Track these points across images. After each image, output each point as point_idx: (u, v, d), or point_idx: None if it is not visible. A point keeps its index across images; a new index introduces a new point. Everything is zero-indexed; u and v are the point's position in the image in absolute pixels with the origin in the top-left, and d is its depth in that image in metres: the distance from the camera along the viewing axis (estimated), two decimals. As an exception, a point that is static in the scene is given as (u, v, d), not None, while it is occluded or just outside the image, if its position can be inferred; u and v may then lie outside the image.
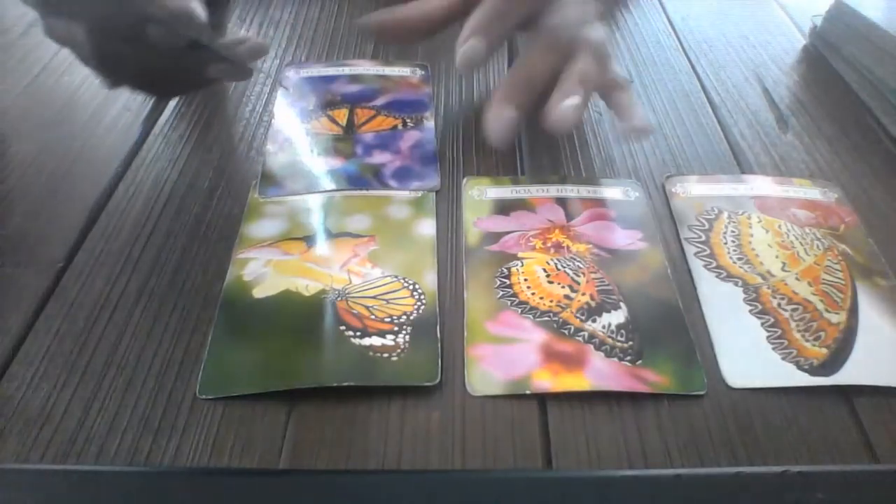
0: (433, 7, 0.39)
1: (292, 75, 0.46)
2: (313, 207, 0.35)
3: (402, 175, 0.38)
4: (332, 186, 0.37)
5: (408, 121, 0.42)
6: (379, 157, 0.39)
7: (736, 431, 0.26)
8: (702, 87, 0.46)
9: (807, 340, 0.29)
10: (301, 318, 0.30)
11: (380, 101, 0.44)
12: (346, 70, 0.47)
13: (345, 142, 0.40)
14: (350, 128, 0.41)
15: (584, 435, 0.26)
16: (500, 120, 0.35)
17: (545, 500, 0.24)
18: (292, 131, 0.41)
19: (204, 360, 0.28)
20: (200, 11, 0.32)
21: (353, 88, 0.45)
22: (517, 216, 0.35)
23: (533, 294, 0.31)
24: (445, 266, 0.33)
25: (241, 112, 0.43)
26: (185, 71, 0.36)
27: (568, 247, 0.34)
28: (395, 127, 0.42)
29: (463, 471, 0.25)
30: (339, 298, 0.31)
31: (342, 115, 0.42)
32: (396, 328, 0.29)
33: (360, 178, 0.38)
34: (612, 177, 0.38)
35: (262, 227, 0.34)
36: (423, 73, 0.46)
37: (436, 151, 0.40)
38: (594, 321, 0.30)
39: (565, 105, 0.34)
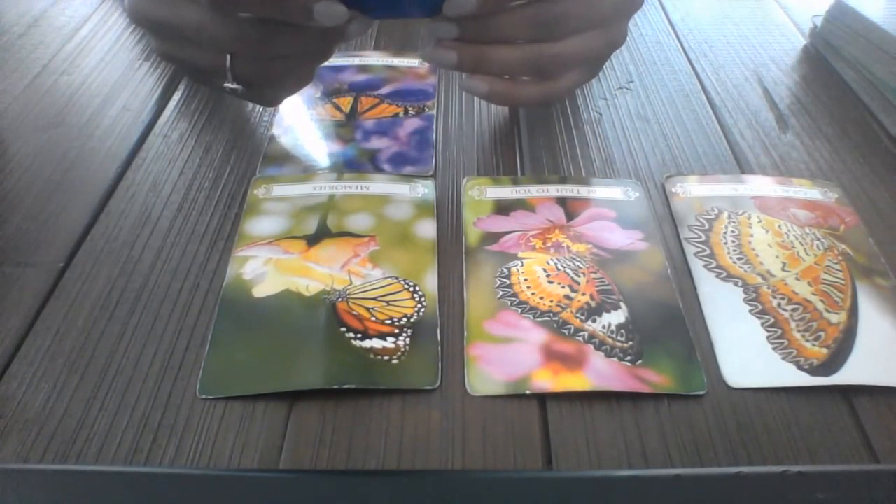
0: None
1: None
2: (314, 205, 0.35)
3: (397, 160, 0.39)
4: (329, 169, 0.38)
5: (410, 109, 0.43)
6: (377, 143, 0.40)
7: (736, 431, 0.26)
8: (702, 87, 0.46)
9: (807, 340, 0.29)
10: (301, 318, 0.30)
11: (385, 90, 0.44)
12: (356, 60, 0.48)
13: (346, 127, 0.41)
14: (353, 114, 0.42)
15: (584, 435, 0.26)
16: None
17: (545, 500, 0.24)
18: (297, 117, 0.42)
19: (204, 360, 0.28)
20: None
21: (361, 78, 0.45)
22: (517, 216, 0.35)
23: (533, 294, 0.31)
24: (445, 266, 0.33)
25: (241, 111, 0.43)
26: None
27: (568, 247, 0.34)
28: (396, 114, 0.42)
29: (463, 471, 0.25)
30: (340, 299, 0.31)
31: (346, 102, 0.43)
32: (397, 331, 0.29)
33: (356, 163, 0.39)
34: (612, 177, 0.38)
35: (261, 225, 0.34)
36: (430, 64, 0.47)
37: (433, 137, 0.40)
38: (594, 321, 0.30)
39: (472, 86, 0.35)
